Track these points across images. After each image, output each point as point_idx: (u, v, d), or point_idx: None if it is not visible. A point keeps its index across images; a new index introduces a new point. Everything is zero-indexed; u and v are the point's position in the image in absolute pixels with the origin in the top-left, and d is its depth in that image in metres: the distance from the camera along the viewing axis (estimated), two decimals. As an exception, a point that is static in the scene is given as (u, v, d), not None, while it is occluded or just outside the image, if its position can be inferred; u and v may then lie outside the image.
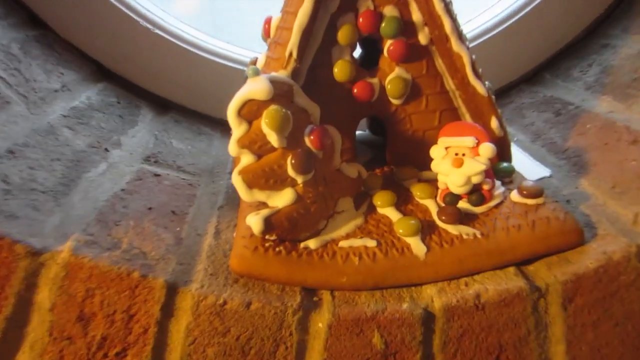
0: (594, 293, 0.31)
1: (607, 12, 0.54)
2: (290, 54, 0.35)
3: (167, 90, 0.53)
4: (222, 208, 0.38)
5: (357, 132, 0.42)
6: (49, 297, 0.27)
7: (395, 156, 0.40)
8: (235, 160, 0.34)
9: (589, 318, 0.31)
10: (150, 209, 0.34)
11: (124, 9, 0.50)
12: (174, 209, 0.35)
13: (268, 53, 0.38)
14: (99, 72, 0.51)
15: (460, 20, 0.38)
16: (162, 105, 0.53)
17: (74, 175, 0.34)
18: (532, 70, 0.56)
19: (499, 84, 0.56)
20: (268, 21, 0.39)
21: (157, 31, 0.51)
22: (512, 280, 0.31)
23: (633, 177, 0.36)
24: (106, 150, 0.39)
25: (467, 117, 0.39)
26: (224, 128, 0.53)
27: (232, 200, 0.39)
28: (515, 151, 0.42)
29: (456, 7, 0.37)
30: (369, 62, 0.39)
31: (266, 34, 0.40)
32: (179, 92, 0.53)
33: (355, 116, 0.39)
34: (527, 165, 0.43)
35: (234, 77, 0.52)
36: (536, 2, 0.53)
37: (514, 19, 0.54)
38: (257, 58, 0.41)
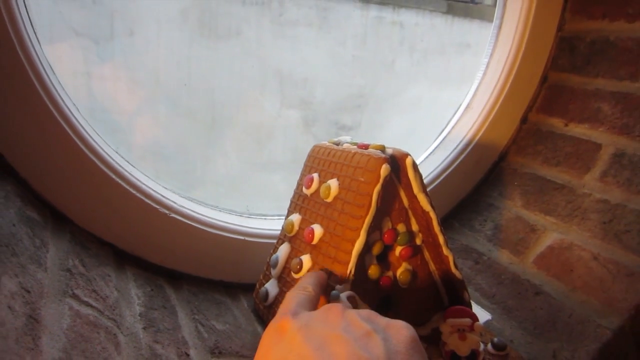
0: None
1: (486, 177, 0.79)
2: (350, 272, 0.48)
3: (176, 262, 0.59)
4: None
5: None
6: None
7: (400, 317, 0.55)
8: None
9: None
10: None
11: (143, 197, 0.55)
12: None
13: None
14: (114, 255, 0.54)
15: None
16: (171, 276, 0.58)
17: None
18: (443, 217, 0.78)
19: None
20: (311, 231, 0.51)
21: (173, 215, 0.57)
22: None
23: (544, 322, 0.58)
24: (187, 355, 0.46)
25: (441, 288, 0.57)
26: (228, 291, 0.61)
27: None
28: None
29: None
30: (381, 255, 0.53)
31: (308, 241, 0.52)
32: (187, 263, 0.60)
33: (377, 296, 0.53)
34: (474, 310, 0.62)
35: (234, 245, 0.62)
36: (445, 175, 0.76)
37: (434, 184, 0.75)
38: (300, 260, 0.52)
